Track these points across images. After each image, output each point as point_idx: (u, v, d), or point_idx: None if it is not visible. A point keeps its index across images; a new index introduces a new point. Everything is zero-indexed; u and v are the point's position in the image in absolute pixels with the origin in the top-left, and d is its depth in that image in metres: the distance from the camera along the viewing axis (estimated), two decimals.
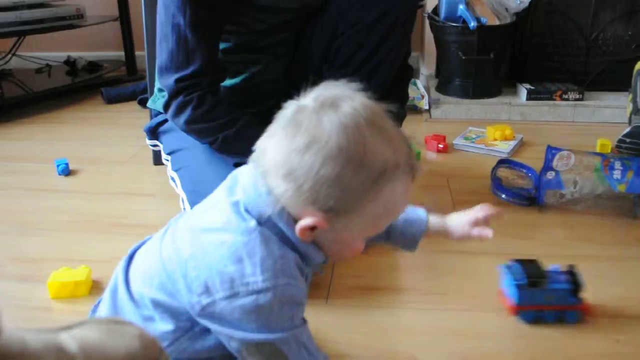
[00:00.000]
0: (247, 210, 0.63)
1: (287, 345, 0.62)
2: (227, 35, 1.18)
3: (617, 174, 1.28)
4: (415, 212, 0.88)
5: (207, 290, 0.62)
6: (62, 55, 2.66)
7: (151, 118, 1.36)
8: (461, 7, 1.87)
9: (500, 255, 1.10)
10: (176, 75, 1.05)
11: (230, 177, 0.68)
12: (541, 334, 0.89)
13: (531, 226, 1.23)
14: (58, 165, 1.55)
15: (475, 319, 0.92)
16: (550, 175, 1.32)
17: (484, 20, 1.87)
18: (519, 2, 1.92)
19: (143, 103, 1.79)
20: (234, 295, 0.60)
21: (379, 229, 0.65)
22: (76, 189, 1.47)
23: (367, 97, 0.62)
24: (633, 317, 0.93)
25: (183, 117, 1.09)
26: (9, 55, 2.54)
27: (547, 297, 0.90)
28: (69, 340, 0.40)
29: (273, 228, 0.62)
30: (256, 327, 0.61)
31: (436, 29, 1.99)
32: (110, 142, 1.81)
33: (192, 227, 0.66)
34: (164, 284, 0.66)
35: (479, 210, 0.88)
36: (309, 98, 0.61)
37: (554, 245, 1.15)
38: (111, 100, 2.27)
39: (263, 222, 0.62)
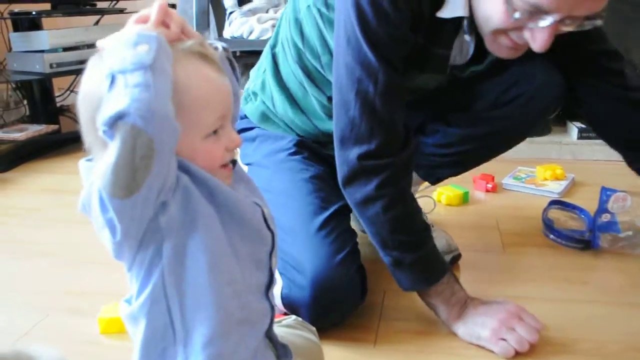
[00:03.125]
0: None
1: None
2: None
3: None
4: None
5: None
6: None
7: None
8: None
9: (552, 301, 1.07)
10: (358, 150, 0.93)
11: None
12: None
13: (585, 270, 1.19)
14: None
15: None
16: (605, 217, 1.28)
17: None
18: None
19: None
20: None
21: (202, 120, 0.59)
22: None
23: None
24: None
25: (368, 210, 0.96)
26: (68, 92, 2.66)
27: None
28: None
29: None
30: None
31: None
32: None
33: None
34: None
35: None
36: None
37: (610, 292, 1.10)
38: None
39: None
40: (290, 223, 1.03)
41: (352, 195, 0.96)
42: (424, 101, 1.14)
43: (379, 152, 0.92)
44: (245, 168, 1.20)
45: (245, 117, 1.23)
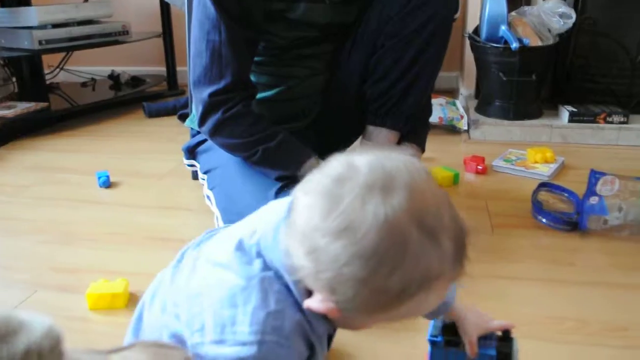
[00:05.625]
0: (258, 252, 0.58)
1: None
2: (262, 48, 1.20)
3: None
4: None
5: (201, 329, 0.57)
6: (106, 69, 2.74)
7: (190, 137, 1.38)
8: (503, 27, 1.85)
9: (539, 281, 1.08)
10: (210, 89, 1.08)
11: (266, 207, 0.64)
12: None
13: (572, 252, 1.20)
14: (99, 178, 1.58)
15: None
16: (593, 200, 1.29)
17: (526, 41, 1.85)
18: (562, 22, 1.89)
19: (183, 118, 1.81)
20: (221, 342, 0.55)
21: (402, 320, 0.57)
22: (116, 202, 1.50)
23: (427, 177, 0.53)
24: None
25: (222, 134, 1.11)
26: (57, 70, 2.63)
27: None
28: None
29: (280, 280, 0.57)
30: None
31: (477, 49, 1.97)
32: (150, 156, 1.85)
33: (209, 257, 0.62)
34: (175, 313, 0.62)
35: (493, 321, 0.80)
36: (363, 163, 0.52)
37: (596, 273, 1.11)
38: (152, 114, 2.31)
39: (272, 269, 0.57)
40: (246, 201, 1.07)
41: (207, 128, 1.11)
42: (352, 47, 1.23)
43: (226, 89, 1.08)
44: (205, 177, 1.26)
45: (199, 131, 1.25)
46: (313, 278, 0.52)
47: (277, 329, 0.55)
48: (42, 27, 2.13)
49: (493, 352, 0.76)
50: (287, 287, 0.57)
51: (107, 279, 1.06)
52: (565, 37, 1.94)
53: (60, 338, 0.34)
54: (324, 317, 0.58)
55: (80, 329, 0.97)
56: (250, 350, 0.54)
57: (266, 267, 0.57)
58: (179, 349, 0.47)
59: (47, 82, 2.55)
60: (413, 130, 1.29)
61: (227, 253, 0.59)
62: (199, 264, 0.63)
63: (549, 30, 1.92)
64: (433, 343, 0.78)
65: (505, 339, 0.78)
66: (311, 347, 0.61)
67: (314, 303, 0.55)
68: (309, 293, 0.56)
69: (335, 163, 0.53)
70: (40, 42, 2.10)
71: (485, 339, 0.78)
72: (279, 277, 0.57)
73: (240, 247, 0.59)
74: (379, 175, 0.50)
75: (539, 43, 1.89)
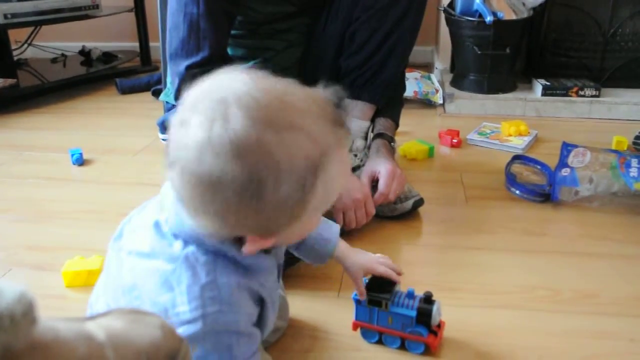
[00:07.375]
0: (174, 234, 0.59)
1: None
2: (239, 22, 1.19)
3: (633, 172, 1.27)
4: (329, 231, 0.82)
5: None
6: (77, 45, 2.67)
7: (165, 111, 1.37)
8: (477, 1, 1.85)
9: (512, 251, 1.10)
10: (187, 62, 1.07)
11: (164, 187, 0.64)
12: (553, 331, 0.88)
13: (545, 222, 1.22)
14: (72, 155, 1.56)
15: (488, 315, 0.92)
16: (565, 171, 1.31)
17: (500, 14, 1.85)
18: None
19: (157, 94, 1.79)
20: None
21: (330, 203, 0.59)
22: (90, 179, 1.48)
23: (256, 82, 0.52)
24: None
25: None
26: (25, 45, 2.56)
27: (390, 321, 0.82)
28: (97, 329, 0.41)
29: (202, 247, 0.58)
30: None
31: (452, 22, 1.97)
32: (124, 133, 1.82)
33: (131, 249, 0.63)
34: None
35: (379, 265, 0.83)
36: (195, 103, 0.53)
37: (567, 242, 1.14)
38: (125, 90, 2.27)
39: (191, 243, 0.58)
40: None
41: None
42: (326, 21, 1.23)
43: (204, 61, 1.07)
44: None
45: (173, 105, 1.25)
46: (225, 228, 0.54)
47: (216, 298, 0.57)
48: (7, 0, 2.06)
49: (413, 314, 0.80)
50: (213, 253, 0.58)
51: (82, 256, 1.05)
52: (539, 11, 1.95)
53: (33, 304, 0.34)
54: (261, 252, 0.60)
55: (57, 307, 0.97)
56: (197, 326, 0.56)
57: (186, 243, 0.58)
58: (156, 315, 0.48)
59: (15, 58, 2.48)
60: (388, 105, 1.29)
61: (148, 241, 0.60)
62: (124, 257, 0.63)
63: (523, 4, 1.93)
64: (357, 301, 0.84)
65: (427, 301, 0.81)
66: (260, 300, 0.63)
67: (248, 247, 0.56)
68: (239, 241, 0.58)
69: (173, 119, 0.54)
70: (5, 16, 2.04)
71: (409, 299, 0.82)
72: (201, 248, 0.58)
73: (158, 231, 0.60)
74: (212, 108, 0.50)
75: (513, 17, 1.90)
